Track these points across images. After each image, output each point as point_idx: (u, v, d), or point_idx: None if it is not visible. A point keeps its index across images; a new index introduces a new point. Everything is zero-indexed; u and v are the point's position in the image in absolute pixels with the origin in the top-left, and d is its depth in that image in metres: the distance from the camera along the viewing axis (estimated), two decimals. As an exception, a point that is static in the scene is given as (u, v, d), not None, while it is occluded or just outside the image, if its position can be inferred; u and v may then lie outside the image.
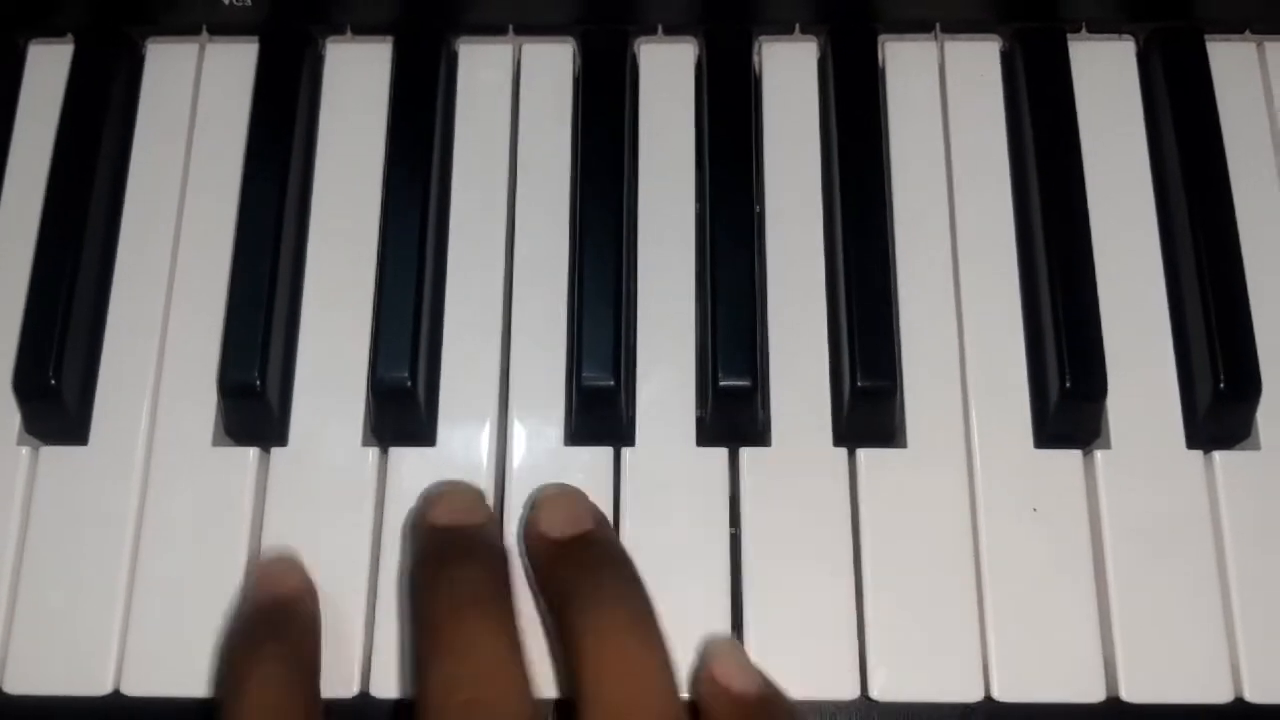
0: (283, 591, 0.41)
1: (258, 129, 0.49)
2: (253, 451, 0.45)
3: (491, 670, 0.36)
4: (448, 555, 0.40)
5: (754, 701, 0.39)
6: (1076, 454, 0.45)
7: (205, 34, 0.51)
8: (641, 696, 0.36)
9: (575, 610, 0.38)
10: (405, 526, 0.44)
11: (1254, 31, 0.51)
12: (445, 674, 0.36)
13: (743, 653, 0.41)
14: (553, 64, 0.51)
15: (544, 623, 0.42)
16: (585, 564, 0.40)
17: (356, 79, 0.50)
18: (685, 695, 0.40)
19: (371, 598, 0.43)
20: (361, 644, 0.43)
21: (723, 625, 0.43)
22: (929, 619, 0.43)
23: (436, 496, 0.42)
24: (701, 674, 0.40)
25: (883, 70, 0.50)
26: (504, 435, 0.45)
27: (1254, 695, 0.42)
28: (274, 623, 0.40)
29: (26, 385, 0.45)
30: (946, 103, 0.50)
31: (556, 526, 0.41)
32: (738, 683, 0.39)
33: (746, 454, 0.45)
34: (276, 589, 0.41)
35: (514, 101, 0.50)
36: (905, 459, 0.45)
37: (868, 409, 0.44)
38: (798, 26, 0.51)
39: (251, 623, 0.40)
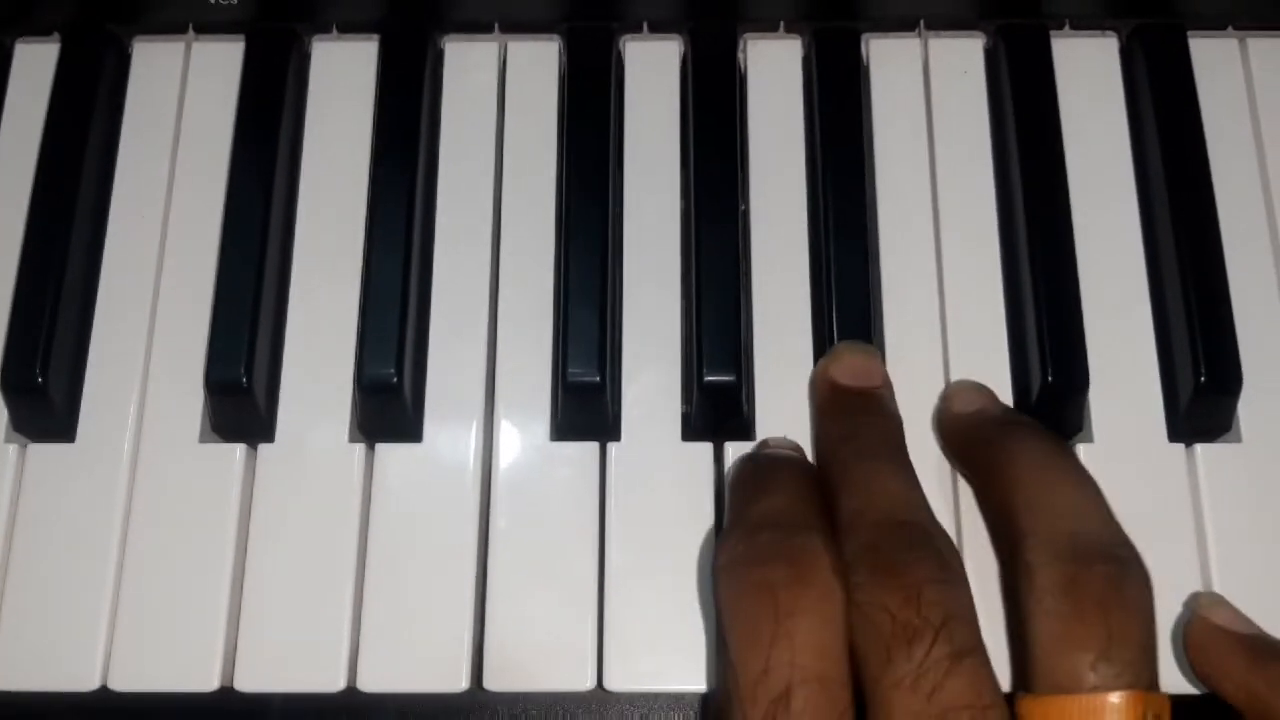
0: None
1: (244, 127, 0.49)
2: (239, 448, 0.45)
3: (913, 500, 0.38)
4: (851, 409, 0.42)
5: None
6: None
7: (191, 33, 0.51)
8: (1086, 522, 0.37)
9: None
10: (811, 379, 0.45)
11: (1236, 27, 0.51)
12: (855, 504, 0.38)
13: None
14: (539, 62, 0.51)
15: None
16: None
17: (343, 77, 0.51)
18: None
19: (358, 594, 0.44)
20: (348, 639, 0.43)
21: (707, 619, 0.43)
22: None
23: (838, 355, 0.44)
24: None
25: (867, 67, 0.50)
26: (490, 432, 0.46)
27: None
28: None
29: (13, 382, 0.45)
30: (930, 100, 0.50)
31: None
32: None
33: (732, 449, 0.45)
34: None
35: (500, 99, 0.50)
36: (889, 453, 0.45)
37: (852, 403, 0.44)
38: (782, 24, 0.51)
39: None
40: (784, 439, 0.44)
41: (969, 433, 0.42)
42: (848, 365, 0.43)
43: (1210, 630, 0.40)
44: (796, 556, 0.35)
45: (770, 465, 0.41)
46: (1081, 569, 0.35)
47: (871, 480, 0.39)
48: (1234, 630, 0.40)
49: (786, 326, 0.47)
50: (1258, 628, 0.40)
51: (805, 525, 0.37)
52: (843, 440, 0.41)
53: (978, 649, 0.35)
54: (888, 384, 0.44)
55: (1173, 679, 0.42)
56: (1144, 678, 0.35)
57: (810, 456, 0.44)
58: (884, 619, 0.34)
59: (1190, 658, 0.40)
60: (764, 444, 0.44)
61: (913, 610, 0.34)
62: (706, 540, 0.44)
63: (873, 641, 0.34)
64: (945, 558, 0.36)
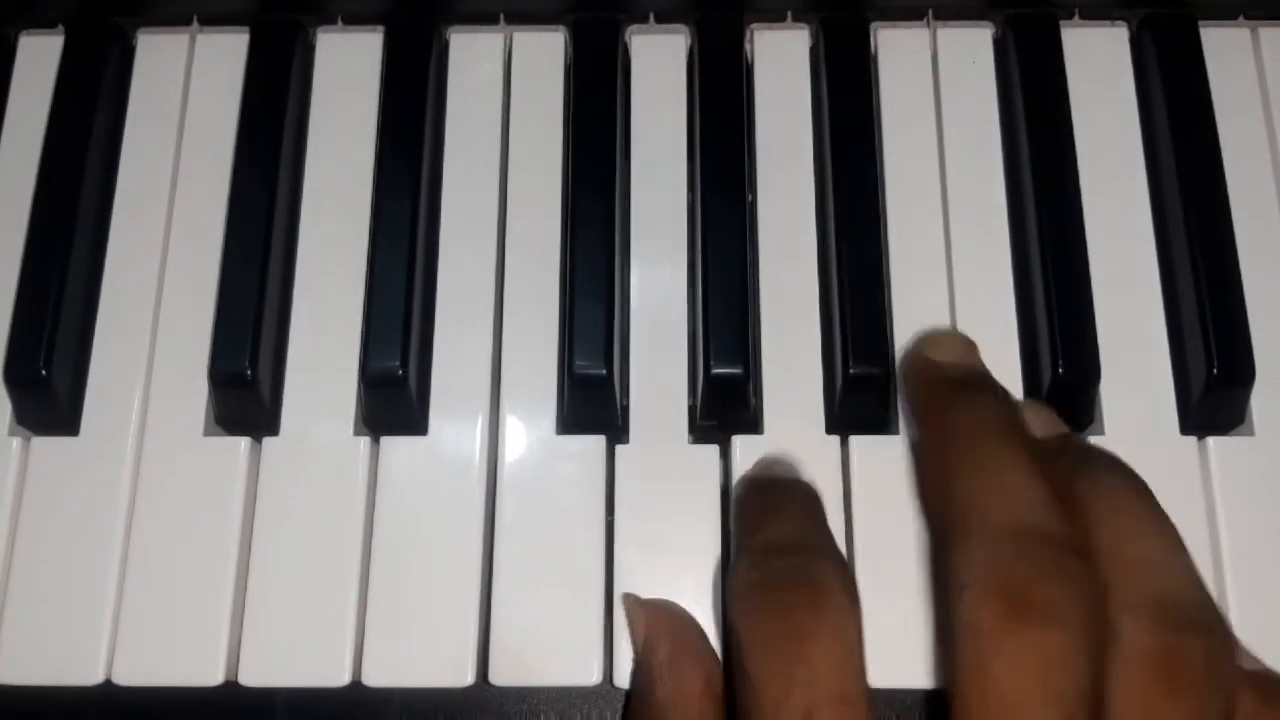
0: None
1: (248, 119, 0.49)
2: (244, 441, 0.45)
3: (1033, 492, 0.34)
4: (964, 385, 0.39)
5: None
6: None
7: (196, 24, 0.51)
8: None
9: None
10: (902, 365, 0.44)
11: (1248, 17, 0.50)
12: (980, 495, 0.34)
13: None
14: (544, 53, 0.50)
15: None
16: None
17: (347, 69, 0.50)
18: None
19: (363, 587, 0.43)
20: (353, 634, 0.43)
21: (714, 613, 0.42)
22: (910, 607, 0.42)
23: (932, 340, 0.42)
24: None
25: (875, 57, 0.50)
26: (496, 424, 0.45)
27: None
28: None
29: (17, 375, 0.45)
30: (939, 89, 0.49)
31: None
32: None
33: (739, 442, 0.45)
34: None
35: (505, 91, 0.50)
36: (898, 446, 0.44)
37: (860, 396, 0.44)
38: (789, 14, 0.51)
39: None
40: (782, 458, 0.44)
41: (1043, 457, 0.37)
42: (947, 346, 0.41)
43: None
44: (812, 580, 0.35)
45: (776, 489, 0.41)
46: (1181, 640, 0.32)
47: (992, 471, 0.35)
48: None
49: (794, 318, 0.46)
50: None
51: (818, 550, 0.37)
52: (954, 427, 0.37)
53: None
54: (984, 365, 0.41)
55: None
56: None
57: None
58: (1011, 689, 0.31)
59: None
60: (766, 464, 0.44)
61: (1048, 685, 0.31)
62: (713, 535, 0.43)
63: (984, 706, 0.31)
64: (1094, 593, 0.32)
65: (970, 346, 0.42)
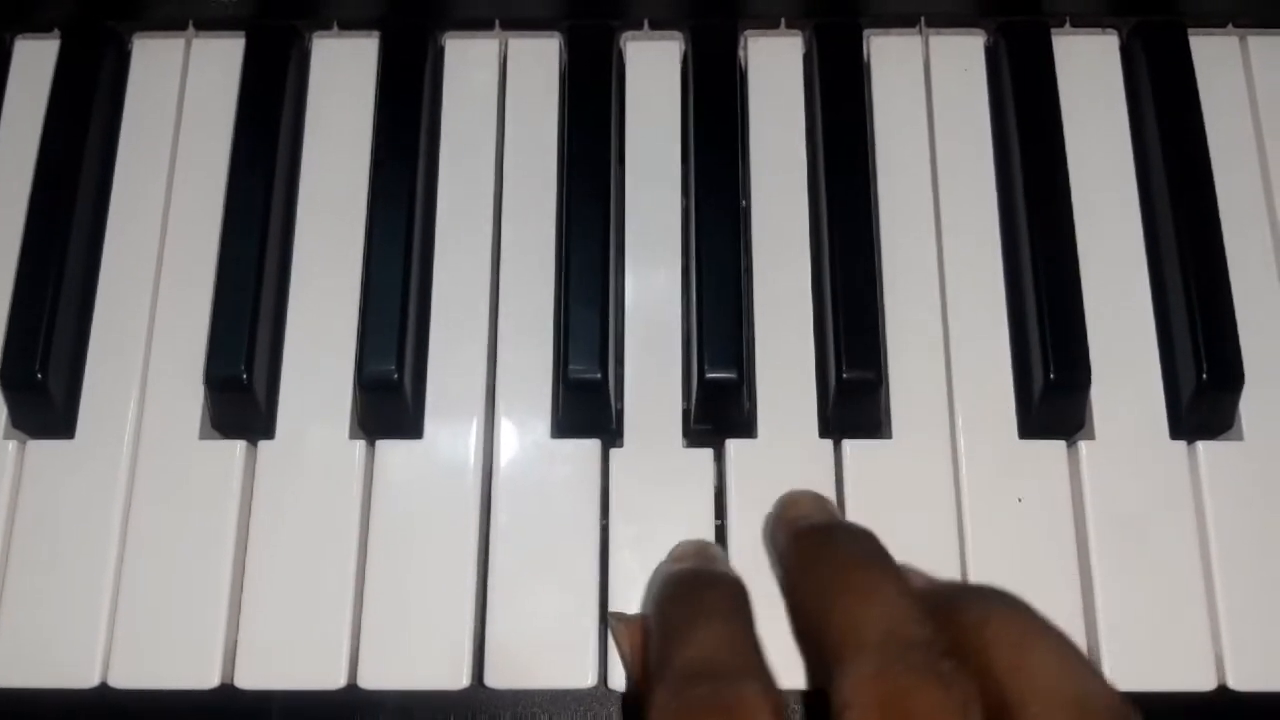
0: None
1: (244, 124, 0.49)
2: (240, 444, 0.45)
3: (901, 606, 0.34)
4: (827, 529, 0.39)
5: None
6: (1061, 444, 0.45)
7: (191, 29, 0.51)
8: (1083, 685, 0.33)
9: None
10: (767, 529, 0.43)
11: (1237, 25, 0.51)
12: (852, 617, 0.34)
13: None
14: (539, 59, 0.51)
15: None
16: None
17: (343, 74, 0.50)
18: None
19: (359, 590, 0.43)
20: (349, 637, 0.43)
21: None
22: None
23: (790, 501, 0.42)
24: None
25: (868, 64, 0.50)
26: (491, 428, 0.46)
27: (1237, 683, 0.42)
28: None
29: (13, 379, 0.45)
30: (931, 97, 0.50)
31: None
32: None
33: (732, 445, 0.45)
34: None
35: (500, 96, 0.50)
36: (890, 450, 0.45)
37: (853, 400, 0.44)
38: (783, 21, 0.51)
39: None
40: (701, 544, 0.43)
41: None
42: (805, 505, 0.42)
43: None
44: (731, 709, 0.32)
45: (696, 591, 0.38)
46: None
47: (862, 588, 0.35)
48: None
49: (788, 323, 0.47)
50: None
51: (739, 671, 0.34)
52: (822, 560, 0.37)
53: None
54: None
55: (1174, 677, 0.42)
56: None
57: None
58: None
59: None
60: (687, 553, 0.42)
61: None
62: (707, 536, 0.44)
63: None
64: (966, 693, 0.32)
65: (824, 501, 0.42)
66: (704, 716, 0.32)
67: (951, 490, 0.44)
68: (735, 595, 0.38)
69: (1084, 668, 0.33)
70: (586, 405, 0.45)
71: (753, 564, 0.43)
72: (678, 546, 0.43)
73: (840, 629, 0.34)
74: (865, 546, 0.37)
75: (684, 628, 0.36)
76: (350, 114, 0.50)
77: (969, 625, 0.34)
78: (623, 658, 0.42)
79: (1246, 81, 0.50)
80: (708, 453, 0.45)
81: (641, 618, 0.42)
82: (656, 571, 0.43)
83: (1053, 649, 0.34)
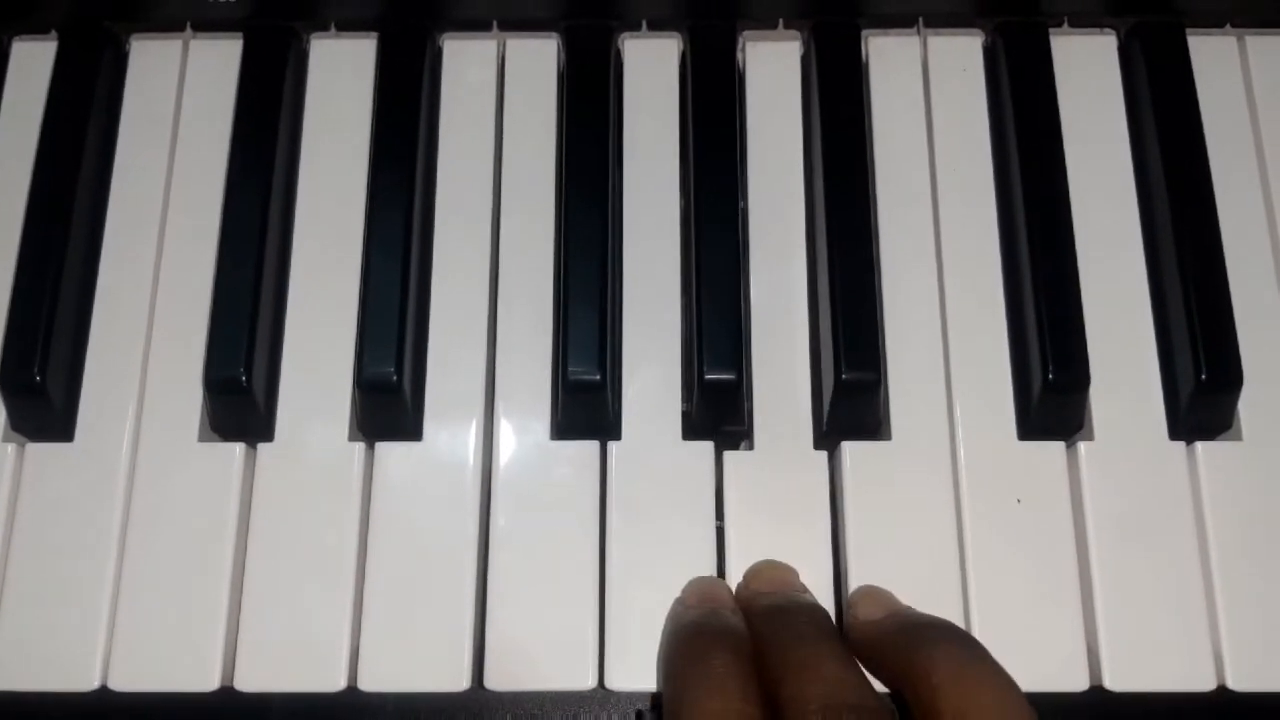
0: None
1: (242, 125, 0.49)
2: (239, 447, 0.45)
3: (845, 676, 0.37)
4: (782, 607, 0.41)
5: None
6: (1060, 445, 0.45)
7: (189, 30, 0.51)
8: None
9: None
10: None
11: (1234, 25, 0.51)
12: (801, 687, 0.37)
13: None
14: (537, 60, 0.51)
15: None
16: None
17: (341, 75, 0.50)
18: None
19: (358, 592, 0.43)
20: (349, 639, 0.43)
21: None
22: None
23: (754, 573, 0.43)
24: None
25: (866, 65, 0.50)
26: (490, 430, 0.46)
27: (1236, 683, 0.42)
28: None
29: (11, 382, 0.45)
30: (929, 97, 0.50)
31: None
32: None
33: (729, 456, 0.45)
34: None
35: (499, 97, 0.50)
36: (889, 451, 0.45)
37: (852, 401, 0.44)
38: (781, 22, 0.51)
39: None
40: (708, 589, 0.43)
41: (880, 640, 0.41)
42: (767, 578, 0.43)
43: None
44: None
45: (702, 648, 0.39)
46: None
47: (809, 663, 0.38)
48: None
49: (786, 324, 0.47)
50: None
51: None
52: (773, 632, 0.40)
53: None
54: (794, 586, 0.43)
55: (1174, 677, 0.42)
56: None
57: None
58: None
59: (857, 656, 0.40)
60: (692, 599, 0.43)
61: None
62: (708, 538, 0.44)
63: None
64: None
65: (787, 571, 0.43)
66: None
67: (951, 491, 0.44)
68: (735, 648, 0.39)
69: (1023, 708, 0.36)
70: (586, 407, 0.45)
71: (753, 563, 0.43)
72: (688, 587, 0.43)
73: (790, 699, 0.36)
74: (815, 625, 0.40)
75: (688, 687, 0.38)
76: (348, 115, 0.50)
77: (918, 670, 0.37)
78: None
79: (1244, 81, 0.51)
80: (709, 452, 0.45)
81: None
82: (669, 616, 0.43)
83: (996, 697, 0.36)
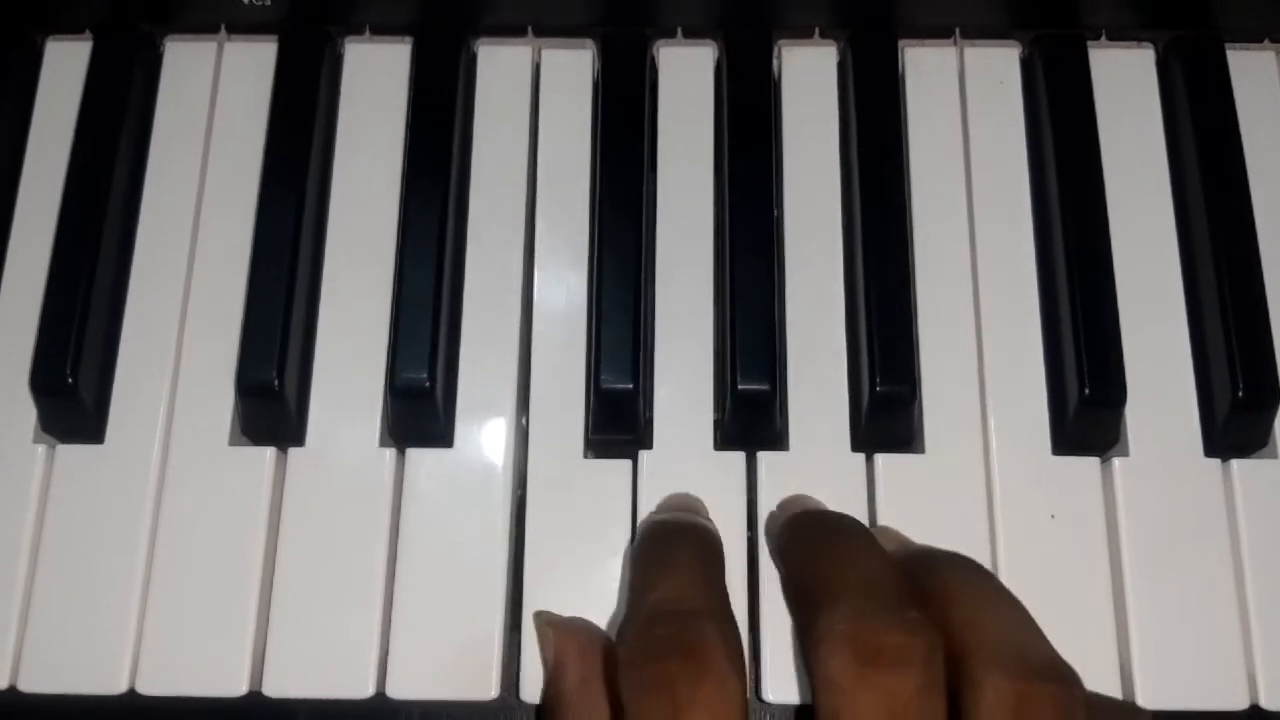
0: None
1: (276, 128, 0.49)
2: (270, 451, 0.45)
3: (878, 564, 0.37)
4: (817, 514, 0.42)
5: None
6: (1095, 461, 0.45)
7: (224, 33, 0.51)
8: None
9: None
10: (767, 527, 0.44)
11: (1273, 40, 0.51)
12: (835, 571, 0.37)
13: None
14: (572, 66, 0.50)
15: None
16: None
17: (376, 80, 0.50)
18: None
19: (388, 599, 0.43)
20: (378, 645, 0.43)
21: (741, 627, 0.42)
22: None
23: (792, 499, 0.44)
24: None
25: (902, 75, 0.50)
26: (522, 437, 0.45)
27: (1270, 702, 0.42)
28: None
29: (44, 383, 0.45)
30: (966, 109, 0.50)
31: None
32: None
33: (764, 458, 0.45)
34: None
35: (533, 103, 0.50)
36: (923, 464, 0.45)
37: (887, 414, 0.44)
38: (817, 31, 0.51)
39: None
40: (684, 497, 0.44)
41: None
42: (800, 501, 0.44)
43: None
44: (691, 648, 0.35)
45: (667, 538, 0.41)
46: (1035, 686, 0.34)
47: (842, 553, 0.38)
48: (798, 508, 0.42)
49: (821, 335, 0.46)
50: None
51: (699, 611, 0.37)
52: (805, 533, 0.41)
53: None
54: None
55: (1207, 696, 0.42)
56: None
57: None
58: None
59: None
60: (668, 504, 0.44)
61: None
62: (739, 549, 0.44)
63: None
64: (933, 642, 0.35)
65: (819, 504, 0.44)
66: (666, 655, 0.35)
67: (984, 506, 0.44)
68: (705, 542, 0.41)
69: (1027, 628, 0.36)
70: (618, 416, 0.45)
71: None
72: (666, 499, 0.44)
73: (820, 583, 0.37)
74: (846, 521, 0.40)
75: (653, 573, 0.39)
76: (383, 119, 0.50)
77: (934, 583, 0.37)
78: (544, 662, 0.42)
79: (1283, 97, 0.50)
80: (740, 462, 0.45)
81: (568, 623, 0.42)
82: (642, 522, 0.43)
83: (1002, 610, 0.37)
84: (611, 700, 0.39)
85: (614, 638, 0.41)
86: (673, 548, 0.40)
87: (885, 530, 0.43)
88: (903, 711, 0.33)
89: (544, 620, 0.42)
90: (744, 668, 0.36)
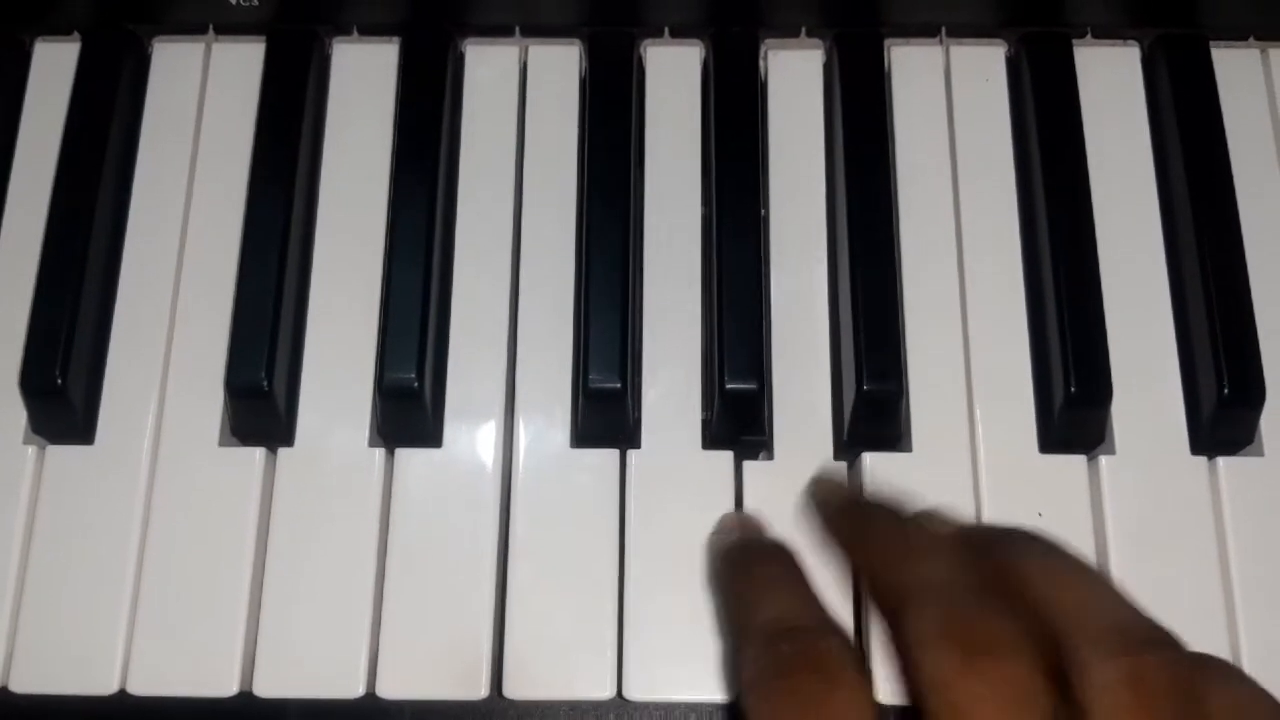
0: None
1: (264, 128, 0.49)
2: (259, 452, 0.45)
3: (954, 560, 0.37)
4: (869, 501, 0.43)
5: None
6: (1081, 459, 0.45)
7: (212, 33, 0.51)
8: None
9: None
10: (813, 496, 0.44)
11: (1258, 38, 0.51)
12: (914, 572, 0.37)
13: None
14: (559, 66, 0.51)
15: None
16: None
17: (363, 79, 0.50)
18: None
19: (378, 599, 0.43)
20: (367, 645, 0.43)
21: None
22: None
23: (818, 478, 0.44)
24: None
25: (888, 74, 0.50)
26: (510, 437, 0.46)
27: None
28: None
29: (33, 384, 0.45)
30: (952, 107, 0.50)
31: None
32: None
33: (749, 467, 0.45)
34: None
35: (520, 103, 0.50)
36: (910, 463, 0.45)
37: (873, 413, 0.44)
38: (804, 30, 0.51)
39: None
40: (746, 518, 0.44)
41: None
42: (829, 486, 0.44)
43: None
44: (819, 662, 0.35)
45: (752, 560, 0.41)
46: (1144, 658, 0.34)
47: (923, 552, 0.38)
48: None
49: (805, 335, 0.47)
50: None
51: (819, 628, 0.37)
52: (881, 526, 0.41)
53: None
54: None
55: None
56: None
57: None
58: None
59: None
60: (731, 528, 0.44)
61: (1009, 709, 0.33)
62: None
63: None
64: (1027, 629, 0.35)
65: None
66: (794, 672, 0.35)
67: (972, 504, 0.44)
68: (789, 557, 0.40)
69: (1117, 598, 0.35)
70: (606, 415, 0.45)
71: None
72: (722, 520, 0.44)
73: (907, 583, 0.36)
74: (901, 516, 0.40)
75: (753, 597, 0.39)
76: (371, 119, 0.50)
77: (1003, 566, 0.36)
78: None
79: (1267, 94, 0.50)
80: (728, 461, 0.45)
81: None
82: (709, 544, 0.44)
83: (1084, 583, 0.36)
84: None
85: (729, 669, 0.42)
86: (762, 568, 0.40)
87: (930, 514, 0.42)
88: (1018, 695, 0.33)
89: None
90: (870, 676, 0.36)
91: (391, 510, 0.44)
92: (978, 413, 0.45)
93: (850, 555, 0.42)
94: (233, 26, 0.51)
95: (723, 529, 0.44)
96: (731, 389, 0.44)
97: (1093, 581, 0.36)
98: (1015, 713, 0.32)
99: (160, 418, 0.46)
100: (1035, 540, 0.38)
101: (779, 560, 0.41)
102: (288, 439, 0.45)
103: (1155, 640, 0.34)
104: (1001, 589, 0.35)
